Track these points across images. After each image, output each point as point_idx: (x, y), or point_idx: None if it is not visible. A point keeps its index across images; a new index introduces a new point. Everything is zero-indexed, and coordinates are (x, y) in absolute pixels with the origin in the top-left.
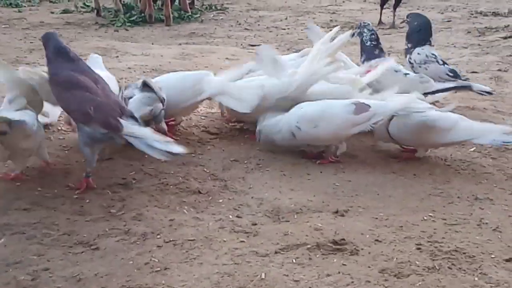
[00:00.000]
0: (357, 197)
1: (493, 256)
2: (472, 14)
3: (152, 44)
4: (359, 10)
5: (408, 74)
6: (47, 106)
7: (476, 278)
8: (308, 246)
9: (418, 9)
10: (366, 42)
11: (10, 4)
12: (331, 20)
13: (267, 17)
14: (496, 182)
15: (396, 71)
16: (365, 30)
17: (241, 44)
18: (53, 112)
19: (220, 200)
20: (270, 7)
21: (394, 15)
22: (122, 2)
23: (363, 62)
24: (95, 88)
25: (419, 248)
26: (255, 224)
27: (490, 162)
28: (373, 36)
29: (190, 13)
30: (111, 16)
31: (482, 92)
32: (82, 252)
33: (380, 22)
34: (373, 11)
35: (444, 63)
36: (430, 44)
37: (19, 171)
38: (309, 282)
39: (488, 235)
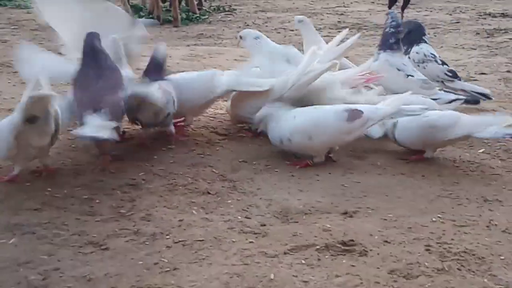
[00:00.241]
0: (366, 198)
1: (502, 257)
2: (481, 16)
3: None
4: (367, 11)
5: (411, 76)
6: None
7: (485, 280)
8: (317, 247)
9: (426, 10)
10: (385, 29)
11: (19, 5)
12: (339, 22)
13: (275, 18)
14: (505, 184)
15: (399, 70)
16: (389, 17)
17: None
18: None
19: (229, 201)
20: (278, 8)
21: (402, 17)
22: (130, 4)
23: (378, 51)
24: (90, 85)
25: (428, 249)
26: (264, 225)
27: (499, 163)
28: (394, 23)
29: (198, 15)
30: None
31: (481, 97)
32: (92, 252)
33: None
34: (381, 12)
35: (444, 63)
36: (426, 43)
37: (17, 172)
38: (318, 283)
39: (497, 236)
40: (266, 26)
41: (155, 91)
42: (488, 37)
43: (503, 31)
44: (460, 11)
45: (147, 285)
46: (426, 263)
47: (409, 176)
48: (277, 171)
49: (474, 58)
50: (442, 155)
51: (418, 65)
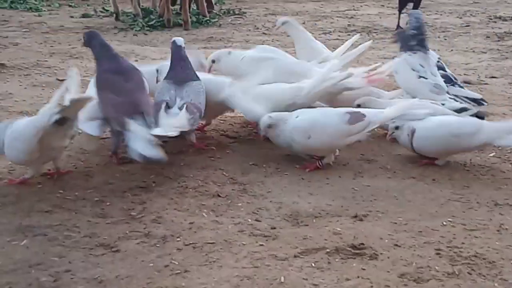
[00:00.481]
0: (376, 201)
1: None
2: (491, 19)
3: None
4: (377, 14)
5: (423, 78)
6: None
7: (496, 284)
8: (327, 250)
9: (436, 13)
10: (406, 30)
11: (30, 8)
12: (349, 25)
13: None
14: None
15: (413, 70)
16: (413, 17)
17: None
18: None
19: (239, 204)
20: (288, 11)
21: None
22: (140, 7)
23: (399, 52)
24: (120, 88)
25: (438, 253)
26: (274, 228)
27: (509, 167)
28: (416, 24)
29: (208, 18)
30: (130, 20)
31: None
32: (103, 254)
33: (398, 27)
34: (391, 15)
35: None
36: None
37: (29, 176)
38: (328, 286)
39: (508, 240)
40: (276, 29)
41: (185, 120)
42: (498, 40)
43: None
44: (471, 15)
45: (158, 287)
46: (436, 267)
47: (419, 180)
48: (287, 174)
49: (484, 61)
50: (453, 159)
51: None
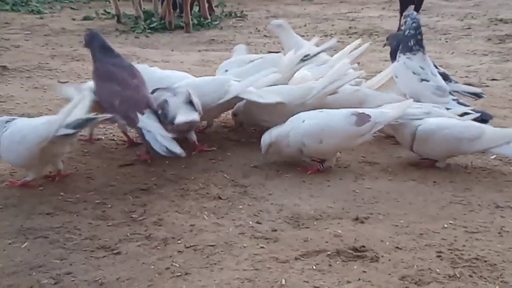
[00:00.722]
0: (377, 204)
1: None
2: (492, 21)
3: (172, 50)
4: (378, 17)
5: (426, 80)
6: None
7: (497, 287)
8: (328, 252)
9: (437, 16)
10: (405, 31)
11: (32, 10)
12: (350, 27)
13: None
14: None
15: (414, 74)
16: (408, 18)
17: (260, 51)
18: None
19: (240, 206)
20: (289, 14)
21: None
22: (142, 9)
23: (398, 54)
24: (127, 83)
25: (439, 256)
26: (275, 230)
27: (511, 170)
28: (414, 25)
29: (209, 20)
30: (132, 22)
31: (472, 96)
32: (104, 257)
33: (399, 29)
34: (393, 18)
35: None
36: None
37: (31, 178)
38: None
39: (509, 243)
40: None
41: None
42: (499, 43)
43: None
44: (472, 17)
45: None
46: (437, 270)
47: (420, 182)
48: (288, 177)
49: (485, 64)
50: (454, 161)
51: None
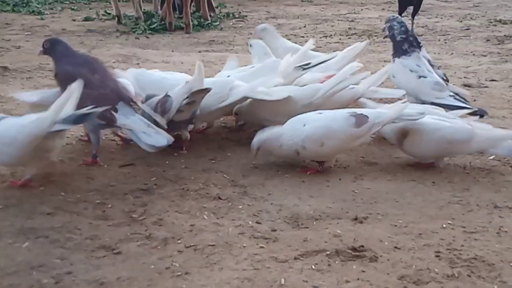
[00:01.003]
0: (376, 204)
1: None
2: (491, 22)
3: (172, 51)
4: (377, 18)
5: (423, 77)
6: None
7: (495, 286)
8: (328, 252)
9: (436, 17)
10: (396, 37)
11: (33, 11)
12: (349, 28)
13: (286, 25)
14: None
15: (412, 71)
16: (395, 23)
17: None
18: None
19: (240, 206)
20: (289, 15)
21: (412, 23)
22: (142, 10)
23: (393, 59)
24: (92, 81)
25: (438, 256)
26: (275, 230)
27: (509, 170)
28: (403, 29)
29: (209, 21)
30: (132, 23)
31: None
32: (104, 256)
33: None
34: None
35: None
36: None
37: (30, 176)
38: None
39: (507, 243)
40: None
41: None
42: (498, 44)
43: None
44: (471, 18)
45: None
46: (436, 270)
47: (419, 183)
48: (287, 177)
49: (484, 65)
50: (453, 162)
51: None
